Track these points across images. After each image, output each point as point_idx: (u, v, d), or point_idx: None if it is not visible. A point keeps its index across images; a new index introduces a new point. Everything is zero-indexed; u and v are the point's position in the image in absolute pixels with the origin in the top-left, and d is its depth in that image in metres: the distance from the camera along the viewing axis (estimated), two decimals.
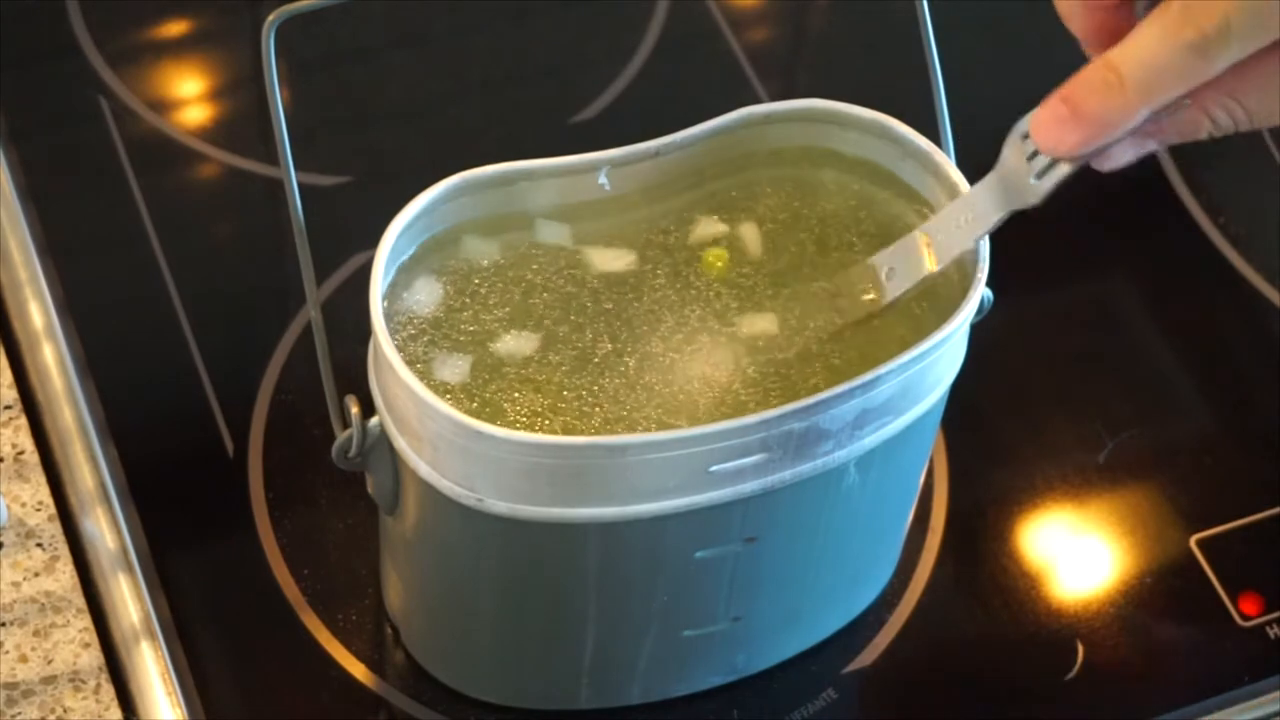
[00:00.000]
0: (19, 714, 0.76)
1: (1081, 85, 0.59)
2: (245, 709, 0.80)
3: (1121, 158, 0.62)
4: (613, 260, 0.72)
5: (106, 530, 0.82)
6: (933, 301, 0.71)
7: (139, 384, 0.88)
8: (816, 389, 0.68)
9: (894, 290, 0.69)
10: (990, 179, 0.65)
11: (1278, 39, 0.57)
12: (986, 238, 0.69)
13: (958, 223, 0.67)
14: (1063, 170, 0.62)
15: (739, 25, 1.00)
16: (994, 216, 0.66)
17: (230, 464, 0.85)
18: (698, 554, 0.71)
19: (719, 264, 0.72)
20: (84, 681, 0.78)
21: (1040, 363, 0.91)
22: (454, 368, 0.69)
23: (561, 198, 0.71)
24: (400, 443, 0.69)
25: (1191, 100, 0.59)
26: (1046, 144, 0.61)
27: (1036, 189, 0.63)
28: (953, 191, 0.71)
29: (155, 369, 0.88)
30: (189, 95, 0.98)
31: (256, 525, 0.84)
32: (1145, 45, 0.57)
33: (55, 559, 0.80)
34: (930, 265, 0.68)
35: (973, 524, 0.86)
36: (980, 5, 1.02)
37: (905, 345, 0.68)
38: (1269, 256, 0.94)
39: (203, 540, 0.84)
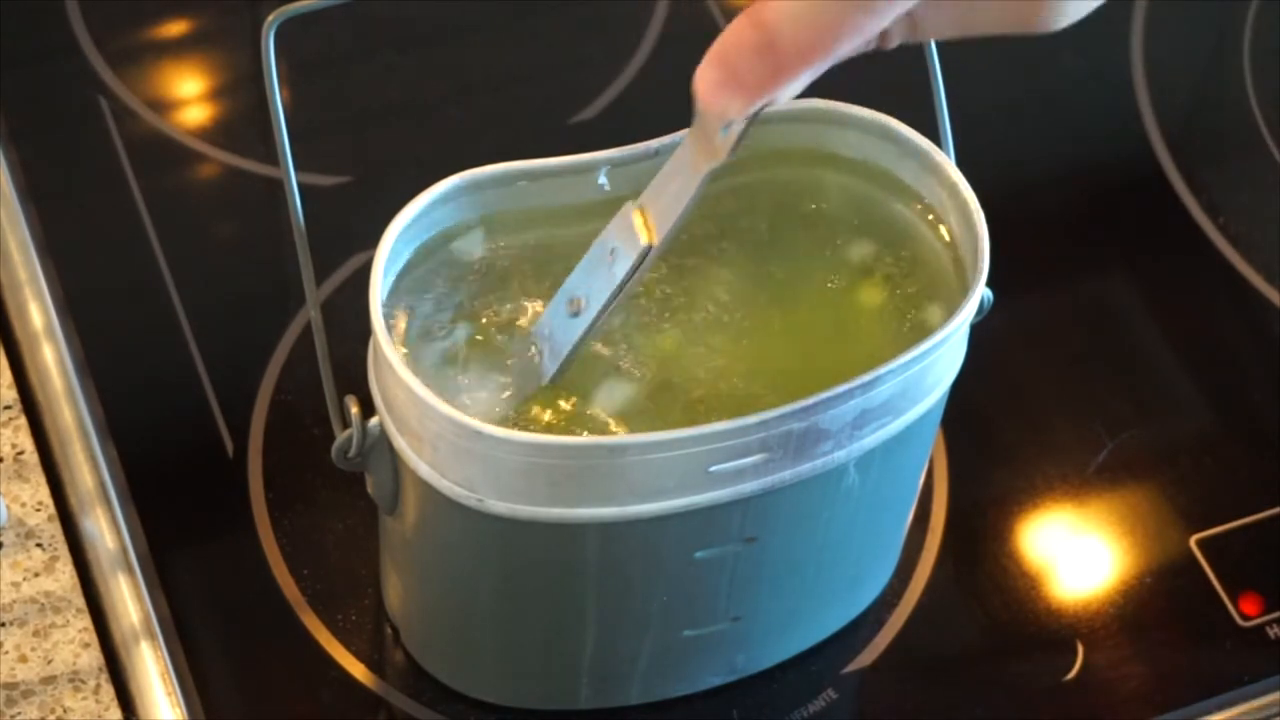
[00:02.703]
0: (19, 714, 0.76)
1: (733, 47, 0.52)
2: (245, 709, 0.80)
3: (802, 85, 0.55)
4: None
5: (106, 530, 0.82)
6: (932, 301, 0.71)
7: (139, 384, 0.88)
8: (811, 390, 0.68)
9: (619, 272, 0.65)
10: (687, 139, 0.62)
11: None
12: (986, 232, 0.69)
13: (668, 191, 0.64)
14: (739, 126, 0.58)
15: None
16: (695, 180, 0.62)
17: (230, 464, 0.85)
18: (697, 554, 0.71)
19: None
20: (84, 681, 0.78)
21: (1040, 363, 0.91)
22: (453, 367, 0.69)
23: (561, 198, 0.71)
24: (400, 443, 0.69)
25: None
26: (713, 109, 0.55)
27: (723, 144, 0.59)
28: (953, 191, 0.71)
29: (155, 369, 0.88)
30: (189, 95, 0.98)
31: (256, 525, 0.84)
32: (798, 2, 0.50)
33: (55, 559, 0.80)
34: (645, 239, 0.64)
35: (973, 524, 0.86)
36: None
37: (902, 346, 0.68)
38: (1269, 256, 0.94)
39: (203, 540, 0.84)
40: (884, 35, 0.56)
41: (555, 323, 0.69)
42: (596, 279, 0.67)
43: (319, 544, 0.83)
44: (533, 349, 0.69)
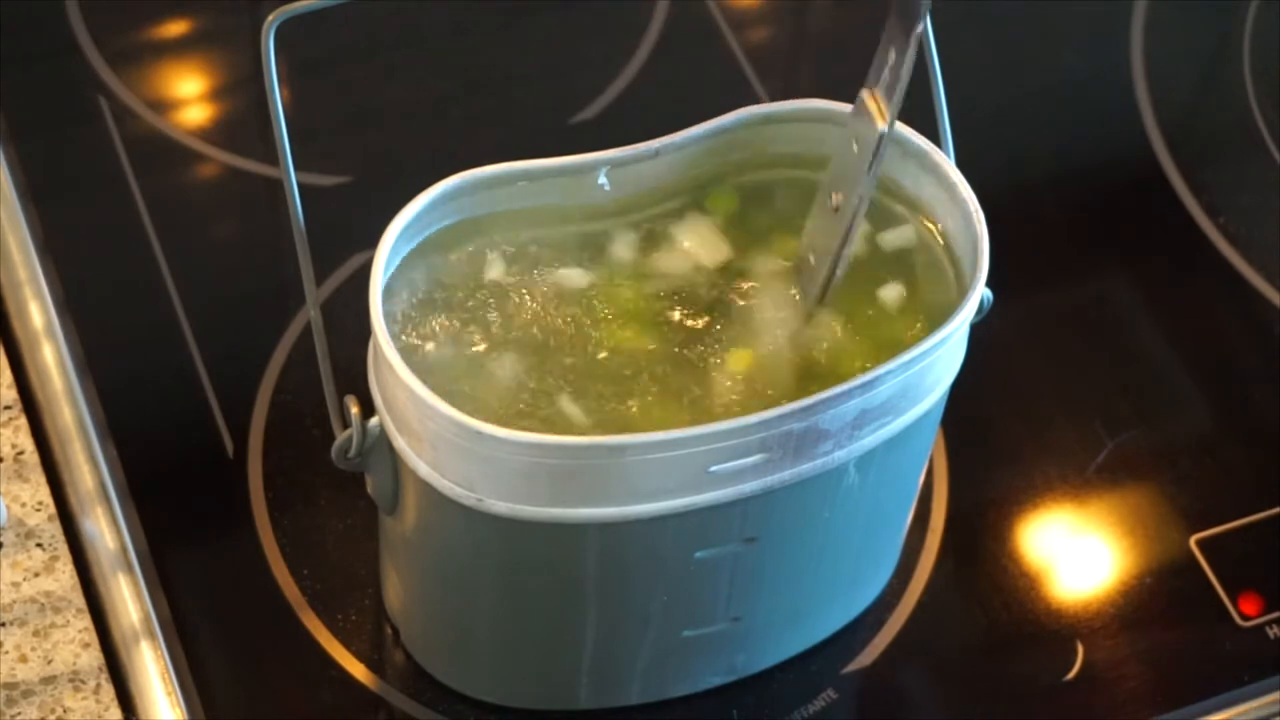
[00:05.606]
0: (19, 714, 0.76)
1: None
2: (245, 709, 0.80)
3: None
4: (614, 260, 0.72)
5: (106, 530, 0.82)
6: (933, 301, 0.71)
7: (139, 384, 0.88)
8: (811, 390, 0.68)
9: (864, 160, 0.68)
10: (891, 13, 0.66)
11: None
12: (985, 232, 0.69)
13: (888, 65, 0.67)
14: None
15: (739, 25, 1.01)
16: (907, 46, 0.65)
17: (230, 464, 0.85)
18: (698, 554, 0.71)
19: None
20: (84, 681, 0.78)
21: (1040, 363, 0.91)
22: (454, 367, 0.69)
23: (561, 198, 0.71)
24: (400, 443, 0.69)
25: None
26: None
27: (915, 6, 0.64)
28: (953, 191, 0.71)
29: (155, 369, 0.88)
30: (189, 95, 0.98)
31: (256, 525, 0.84)
32: None
33: (55, 559, 0.80)
34: (880, 123, 0.67)
35: (973, 524, 0.86)
36: (980, 5, 1.02)
37: (903, 345, 0.68)
38: (1269, 256, 0.94)
39: (203, 540, 0.84)
40: None
41: (819, 227, 0.70)
42: (846, 171, 0.69)
43: (319, 544, 0.83)
44: (810, 258, 0.71)
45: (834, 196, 0.70)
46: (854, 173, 0.69)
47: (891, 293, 0.72)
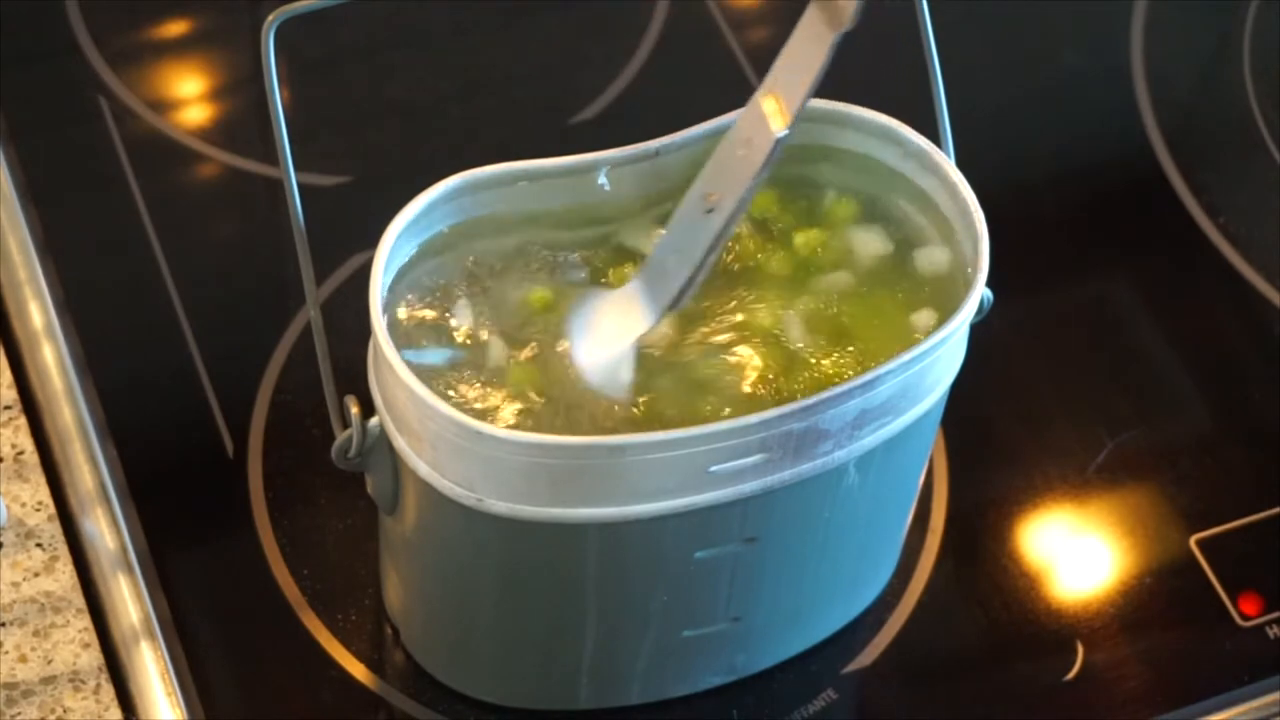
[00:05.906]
0: (19, 714, 0.76)
1: None
2: (245, 709, 0.80)
3: None
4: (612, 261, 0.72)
5: (106, 530, 0.82)
6: (932, 302, 0.71)
7: (139, 384, 0.88)
8: (811, 390, 0.68)
9: (755, 161, 0.64)
10: (809, 12, 0.62)
11: None
12: (985, 232, 0.69)
13: (794, 70, 0.63)
14: None
15: (739, 25, 1.01)
16: (823, 48, 0.62)
17: (230, 464, 0.85)
18: (698, 554, 0.71)
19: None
20: (84, 681, 0.78)
21: (1040, 363, 0.91)
22: (454, 367, 0.69)
23: (561, 198, 0.71)
24: (400, 443, 0.69)
25: None
26: None
27: (847, 6, 0.61)
28: (953, 191, 0.71)
29: (155, 369, 0.88)
30: (189, 95, 0.98)
31: (256, 525, 0.84)
32: None
33: (55, 559, 0.80)
34: (777, 125, 0.63)
35: (973, 524, 0.86)
36: (980, 5, 1.02)
37: (904, 345, 0.68)
38: (1269, 256, 0.94)
39: (203, 540, 0.84)
40: None
41: (685, 228, 0.67)
42: (730, 173, 0.65)
43: (319, 544, 0.83)
44: (668, 259, 0.68)
45: (709, 197, 0.66)
46: (738, 175, 0.65)
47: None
